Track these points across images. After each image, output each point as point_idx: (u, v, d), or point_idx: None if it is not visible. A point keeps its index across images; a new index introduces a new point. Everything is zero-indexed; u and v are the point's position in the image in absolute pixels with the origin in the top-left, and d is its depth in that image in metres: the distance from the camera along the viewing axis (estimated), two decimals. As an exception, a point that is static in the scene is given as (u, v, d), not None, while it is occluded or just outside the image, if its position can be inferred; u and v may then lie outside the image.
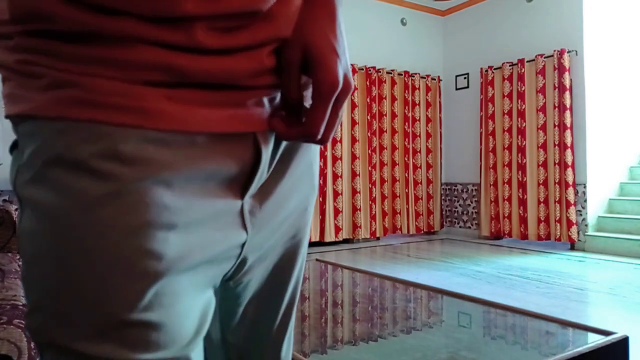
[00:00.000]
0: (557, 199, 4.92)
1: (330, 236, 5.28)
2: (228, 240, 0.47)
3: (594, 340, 1.17)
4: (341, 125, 5.34)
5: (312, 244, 5.15)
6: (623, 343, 1.13)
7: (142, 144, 0.39)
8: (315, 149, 0.58)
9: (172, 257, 0.41)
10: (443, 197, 6.33)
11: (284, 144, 0.50)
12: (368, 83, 5.55)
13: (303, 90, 0.46)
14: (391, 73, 5.78)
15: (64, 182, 0.38)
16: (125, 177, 0.39)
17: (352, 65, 5.42)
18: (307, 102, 0.47)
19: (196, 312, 0.46)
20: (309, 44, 0.44)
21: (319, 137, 0.45)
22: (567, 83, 4.85)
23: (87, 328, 0.39)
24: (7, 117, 0.41)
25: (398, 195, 5.79)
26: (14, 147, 0.43)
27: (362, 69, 5.55)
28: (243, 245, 0.49)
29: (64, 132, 0.38)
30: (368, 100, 5.55)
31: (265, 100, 0.46)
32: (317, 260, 2.86)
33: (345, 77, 0.45)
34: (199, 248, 0.44)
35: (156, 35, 0.38)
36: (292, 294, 0.61)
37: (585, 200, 4.88)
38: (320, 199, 5.25)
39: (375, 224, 5.58)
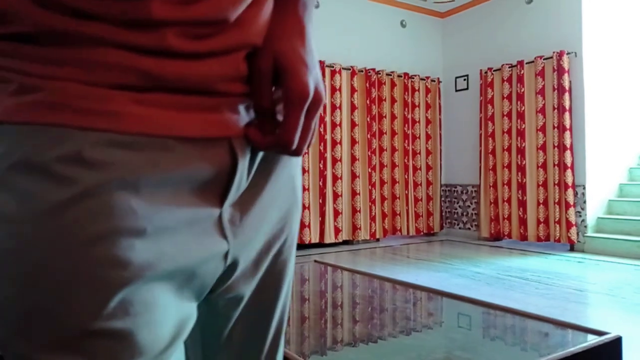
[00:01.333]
0: (556, 200, 4.93)
1: (329, 237, 5.29)
2: (205, 249, 0.45)
3: (587, 341, 1.18)
4: (341, 127, 5.36)
5: (311, 245, 5.16)
6: (616, 343, 1.14)
7: (108, 147, 0.38)
8: (297, 163, 0.57)
9: (140, 264, 0.40)
10: (443, 199, 6.34)
11: (261, 153, 0.49)
12: (368, 85, 5.56)
13: (276, 104, 0.46)
14: (391, 75, 5.79)
15: (24, 187, 0.37)
16: (89, 181, 0.38)
17: (352, 67, 5.44)
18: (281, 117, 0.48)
19: (171, 321, 0.44)
20: (278, 54, 0.45)
21: (293, 147, 0.45)
22: (566, 85, 4.86)
23: (49, 339, 0.38)
24: None
25: (398, 196, 5.80)
26: None
27: (362, 71, 5.57)
28: (226, 256, 0.48)
29: (29, 136, 0.37)
30: (368, 102, 5.56)
31: (241, 108, 0.46)
32: (316, 261, 2.87)
33: (316, 88, 0.46)
34: (172, 255, 0.42)
35: (125, 38, 0.38)
36: (281, 315, 0.58)
37: (585, 202, 4.89)
38: (320, 201, 5.26)
39: (375, 225, 5.59)
